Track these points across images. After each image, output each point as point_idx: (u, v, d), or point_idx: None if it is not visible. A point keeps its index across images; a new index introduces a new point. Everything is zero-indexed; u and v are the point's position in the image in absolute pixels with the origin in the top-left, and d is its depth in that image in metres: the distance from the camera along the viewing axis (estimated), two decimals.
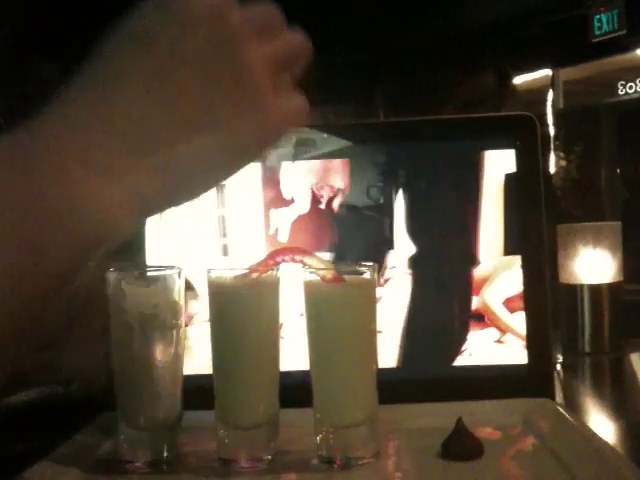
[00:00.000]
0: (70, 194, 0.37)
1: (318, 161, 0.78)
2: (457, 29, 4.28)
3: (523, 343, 0.75)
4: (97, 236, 0.39)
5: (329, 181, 0.78)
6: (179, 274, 0.63)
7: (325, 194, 0.78)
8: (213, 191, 0.79)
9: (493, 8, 4.17)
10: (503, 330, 0.76)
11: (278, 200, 0.78)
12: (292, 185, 0.78)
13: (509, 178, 0.77)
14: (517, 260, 0.76)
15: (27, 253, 0.36)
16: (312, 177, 0.78)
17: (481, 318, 0.76)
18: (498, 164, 0.78)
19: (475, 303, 0.76)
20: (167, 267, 0.64)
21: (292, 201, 0.78)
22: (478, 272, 0.77)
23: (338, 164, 0.78)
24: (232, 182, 0.79)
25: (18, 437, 0.70)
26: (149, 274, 0.64)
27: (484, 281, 0.76)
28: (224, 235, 0.79)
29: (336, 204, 0.78)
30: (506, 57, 4.49)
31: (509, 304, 0.76)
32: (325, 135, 0.79)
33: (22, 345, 0.38)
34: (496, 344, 0.76)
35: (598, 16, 4.18)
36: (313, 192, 0.78)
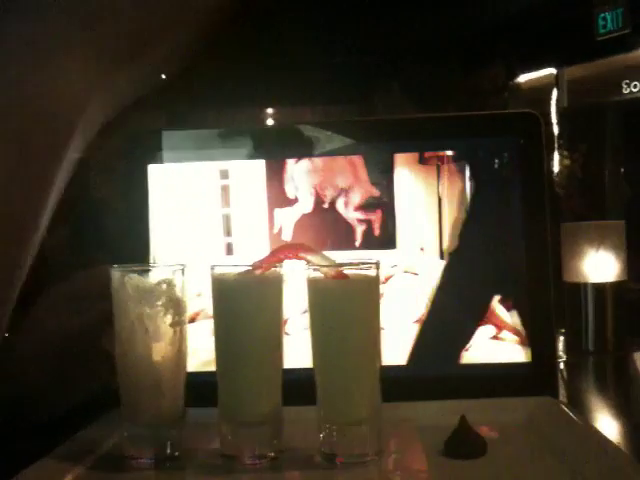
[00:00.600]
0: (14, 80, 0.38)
1: (321, 161, 0.78)
2: (461, 28, 4.28)
3: (518, 339, 0.76)
4: (67, 116, 0.40)
5: (332, 181, 0.78)
6: (182, 271, 0.64)
7: (328, 194, 0.78)
8: (218, 190, 0.80)
9: (496, 7, 4.17)
10: (500, 327, 0.76)
11: (282, 199, 0.78)
12: (296, 185, 0.78)
13: (509, 177, 0.78)
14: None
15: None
16: (315, 177, 0.78)
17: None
18: (496, 162, 0.78)
19: None
20: (170, 264, 0.64)
21: (296, 200, 0.78)
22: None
23: (341, 163, 0.78)
24: (237, 182, 0.80)
25: (21, 434, 0.70)
26: (153, 271, 0.64)
27: None
28: (228, 234, 0.79)
29: (339, 203, 0.78)
30: (510, 56, 4.48)
31: (505, 302, 0.77)
32: (329, 132, 0.79)
33: None
34: (493, 340, 0.76)
35: (602, 15, 4.17)
36: (317, 191, 0.78)
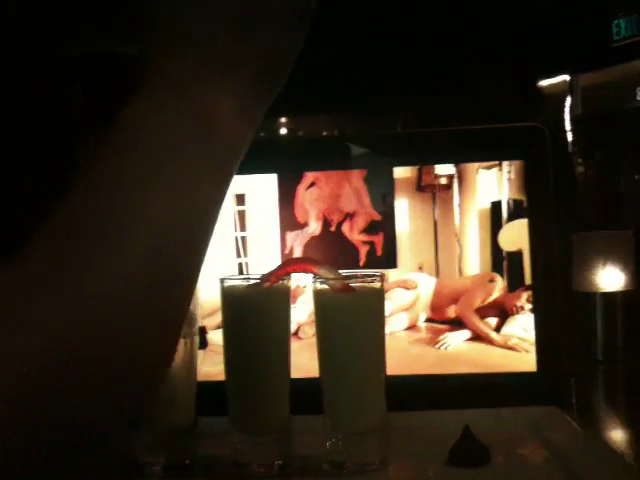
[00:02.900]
0: (200, 120, 0.37)
1: (328, 188, 0.83)
2: (474, 35, 4.28)
3: (488, 342, 0.80)
4: (230, 154, 0.39)
5: (339, 206, 0.82)
6: None
7: (335, 218, 0.82)
8: (232, 215, 0.83)
9: (509, 14, 4.16)
10: (474, 331, 0.81)
11: (293, 223, 0.82)
12: (305, 209, 0.82)
13: (515, 189, 0.80)
14: (488, 276, 0.81)
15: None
16: (323, 203, 0.82)
17: (458, 322, 0.82)
18: (488, 180, 0.81)
19: (454, 310, 0.82)
20: None
21: (305, 224, 0.81)
22: (459, 285, 0.83)
23: (347, 191, 0.82)
24: (251, 207, 0.83)
25: None
26: None
27: (463, 292, 0.82)
28: (243, 255, 0.82)
29: (345, 227, 0.82)
30: (524, 63, 4.46)
31: (480, 312, 0.81)
32: (339, 146, 0.81)
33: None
34: (469, 342, 0.81)
35: (617, 21, 4.15)
36: (324, 216, 0.82)
